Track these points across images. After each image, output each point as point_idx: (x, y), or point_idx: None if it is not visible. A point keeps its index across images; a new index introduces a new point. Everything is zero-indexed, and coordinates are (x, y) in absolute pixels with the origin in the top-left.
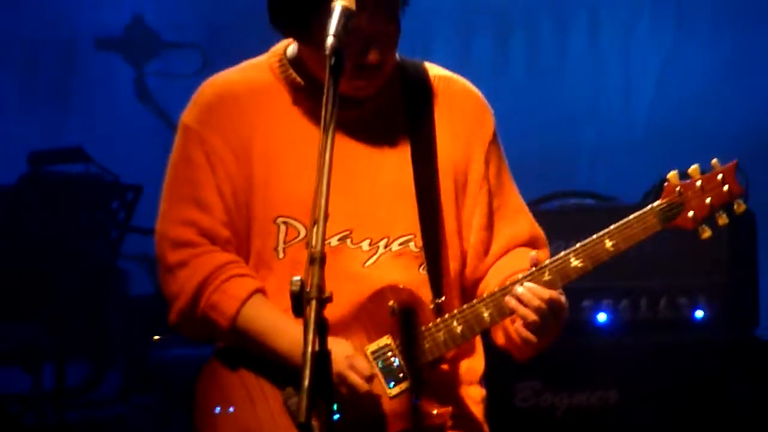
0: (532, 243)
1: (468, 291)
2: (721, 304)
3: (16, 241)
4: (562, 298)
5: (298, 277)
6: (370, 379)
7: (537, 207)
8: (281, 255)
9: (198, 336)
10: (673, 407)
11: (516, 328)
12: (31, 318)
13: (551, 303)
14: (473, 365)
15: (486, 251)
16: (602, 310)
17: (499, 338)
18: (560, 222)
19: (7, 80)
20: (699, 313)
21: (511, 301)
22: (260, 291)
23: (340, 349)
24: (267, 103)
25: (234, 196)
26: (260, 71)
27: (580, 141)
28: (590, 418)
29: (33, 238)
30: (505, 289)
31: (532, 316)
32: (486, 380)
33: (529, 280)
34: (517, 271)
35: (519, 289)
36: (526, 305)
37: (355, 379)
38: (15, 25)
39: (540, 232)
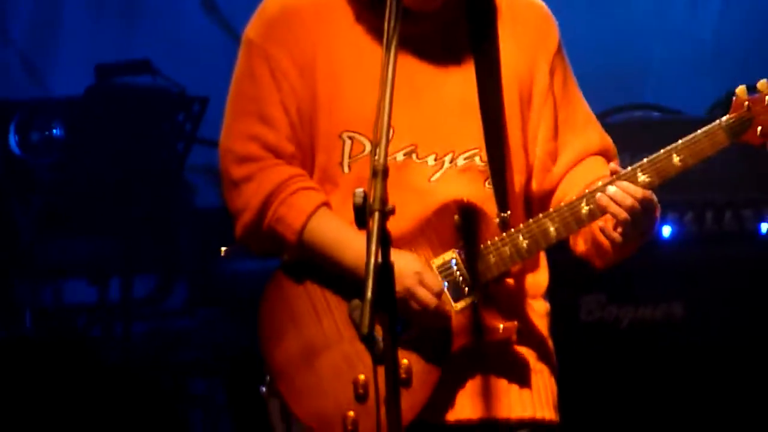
0: (603, 153)
1: (536, 203)
2: None
3: (83, 153)
4: (654, 197)
5: (361, 190)
6: (439, 294)
7: (603, 120)
8: (346, 169)
9: (264, 250)
10: (738, 321)
11: (604, 228)
12: (99, 230)
13: (644, 202)
14: (537, 279)
15: (553, 162)
16: (667, 223)
17: (580, 245)
18: (626, 135)
19: None
20: (765, 227)
21: (602, 199)
22: (326, 204)
23: (408, 263)
24: (331, 18)
25: (299, 111)
26: None
27: (647, 56)
28: (655, 332)
29: (100, 149)
30: (572, 204)
31: (623, 214)
32: (550, 294)
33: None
34: (593, 180)
35: (611, 189)
36: (619, 204)
37: (424, 294)
38: None
39: (610, 142)
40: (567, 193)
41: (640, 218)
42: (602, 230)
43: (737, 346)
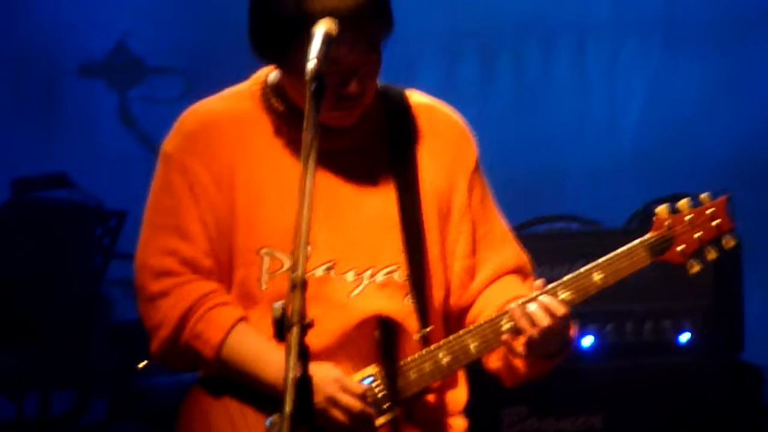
0: (519, 270)
1: (453, 320)
2: (706, 328)
3: None
4: (569, 317)
5: (279, 303)
6: (362, 396)
7: (522, 231)
8: (264, 286)
9: (181, 366)
10: None
11: (519, 348)
12: (14, 346)
13: (562, 321)
14: (456, 396)
15: (471, 278)
16: (587, 334)
17: (493, 362)
18: (546, 246)
19: None
20: (684, 337)
21: (522, 320)
22: (244, 319)
23: (327, 372)
24: (249, 132)
25: (217, 225)
26: (242, 99)
27: (566, 165)
28: None
29: (17, 264)
30: (493, 322)
31: (538, 334)
32: (472, 407)
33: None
34: (508, 300)
35: (531, 306)
36: (535, 323)
37: (347, 399)
38: None
39: (526, 259)
40: (482, 310)
41: (555, 337)
42: (509, 348)
43: None
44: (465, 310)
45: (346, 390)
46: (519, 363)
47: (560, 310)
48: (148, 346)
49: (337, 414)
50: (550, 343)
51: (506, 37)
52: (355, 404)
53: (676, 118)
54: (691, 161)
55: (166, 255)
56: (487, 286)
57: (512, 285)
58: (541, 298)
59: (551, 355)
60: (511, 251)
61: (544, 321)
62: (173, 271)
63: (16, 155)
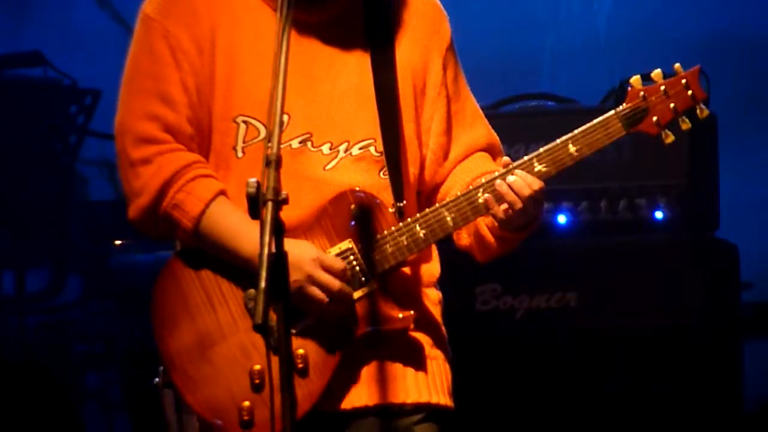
0: (489, 149)
1: (424, 196)
2: (681, 205)
3: None
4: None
5: (254, 180)
6: (341, 274)
7: (497, 110)
8: (240, 154)
9: (156, 234)
10: (632, 309)
11: (493, 221)
12: None
13: (539, 193)
14: (430, 269)
15: (445, 156)
16: (562, 212)
17: (463, 239)
18: (521, 124)
19: None
20: (659, 215)
21: (502, 187)
22: (224, 193)
23: (305, 250)
24: None
25: (198, 91)
26: None
27: (542, 45)
28: (550, 320)
29: None
30: (468, 194)
31: (519, 204)
32: (446, 285)
33: (493, 186)
34: (479, 175)
35: (511, 178)
36: (517, 192)
37: (326, 277)
38: None
39: (496, 138)
40: (452, 187)
41: (531, 209)
42: (494, 222)
43: (632, 333)
44: (436, 187)
45: (325, 268)
46: (489, 238)
47: (536, 183)
48: (123, 226)
49: (315, 292)
50: (525, 214)
51: None
52: (334, 282)
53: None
54: (664, 41)
55: (149, 120)
56: (458, 163)
57: (482, 162)
58: (518, 171)
59: (521, 228)
60: (482, 129)
61: (525, 191)
62: (156, 138)
63: None
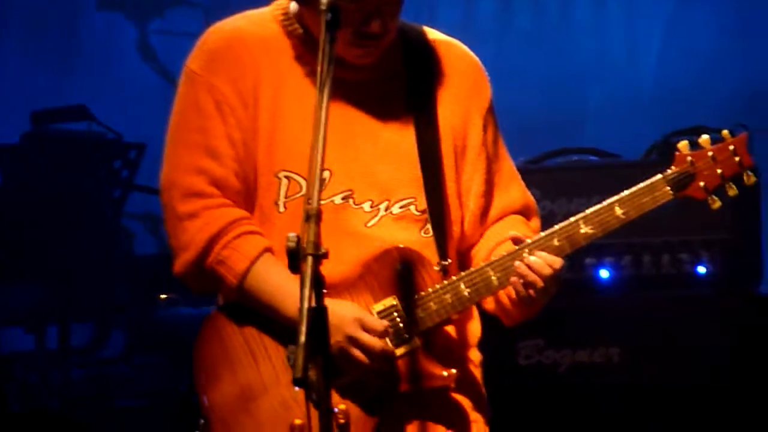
0: (524, 211)
1: (460, 255)
2: (723, 260)
3: (19, 201)
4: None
5: (294, 234)
6: (383, 334)
7: (541, 164)
8: (282, 209)
9: (201, 288)
10: (675, 364)
11: (513, 293)
12: (36, 278)
13: (558, 272)
14: (473, 329)
15: (483, 217)
16: (605, 267)
17: (488, 303)
18: (564, 178)
19: (11, 40)
20: (702, 269)
21: (521, 267)
22: (269, 250)
23: (347, 310)
24: (273, 54)
25: (244, 145)
26: (266, 22)
27: (586, 100)
28: (593, 375)
29: (36, 197)
30: (515, 254)
31: (541, 284)
32: (489, 339)
33: (539, 246)
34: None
35: (532, 258)
36: (536, 273)
37: (368, 338)
38: None
39: (531, 200)
40: (482, 249)
41: (554, 287)
42: (514, 295)
43: (675, 389)
44: (470, 247)
45: (366, 328)
46: (509, 307)
47: (558, 262)
48: (167, 280)
49: (357, 353)
50: (547, 292)
51: None
52: (375, 344)
53: (694, 54)
54: (708, 96)
55: (196, 174)
56: (492, 224)
57: (516, 224)
58: (538, 252)
59: (541, 301)
60: (517, 192)
61: (546, 270)
62: (203, 192)
63: (36, 88)
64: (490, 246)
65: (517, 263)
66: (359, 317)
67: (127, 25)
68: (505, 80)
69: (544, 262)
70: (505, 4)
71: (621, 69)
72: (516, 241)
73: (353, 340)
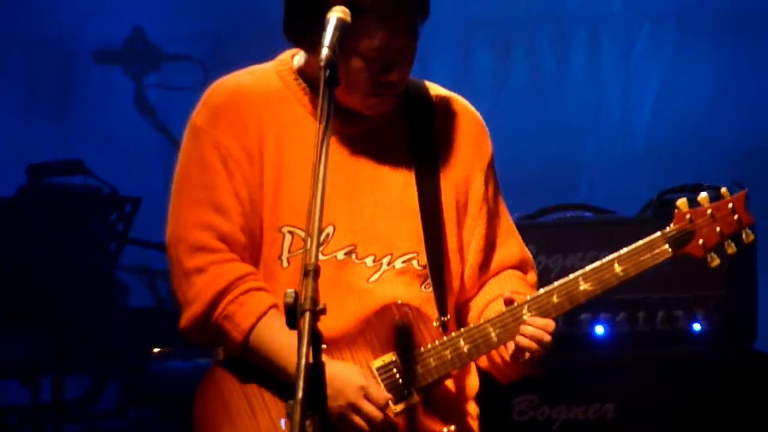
0: (521, 266)
1: (457, 308)
2: (719, 317)
3: (14, 253)
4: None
5: (292, 290)
6: (385, 407)
7: (536, 219)
8: (285, 264)
9: (205, 342)
10: (670, 421)
11: (506, 354)
12: (30, 330)
13: (552, 334)
14: (471, 382)
15: (483, 272)
16: (600, 323)
17: (482, 361)
18: (559, 234)
19: (7, 92)
20: (697, 326)
21: (521, 340)
22: (275, 306)
23: (352, 376)
24: (277, 109)
25: (250, 200)
26: (270, 77)
27: (580, 154)
28: None
29: (32, 249)
30: (514, 310)
31: (539, 352)
32: (484, 395)
33: (538, 303)
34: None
35: (529, 329)
36: (537, 342)
37: (370, 409)
38: (14, 36)
39: (528, 254)
40: (478, 303)
41: (551, 347)
42: (511, 357)
43: None
44: (466, 301)
45: (370, 398)
46: (501, 366)
47: (551, 325)
48: (162, 333)
49: (358, 421)
50: (545, 353)
51: (520, 27)
52: (377, 414)
53: (689, 110)
54: (702, 153)
55: (203, 229)
56: (490, 278)
57: (513, 280)
58: (531, 320)
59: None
60: (515, 247)
61: (546, 338)
62: (210, 247)
63: (32, 141)
64: (487, 301)
65: (518, 338)
66: (364, 386)
67: (125, 79)
68: (499, 136)
69: (543, 330)
70: (500, 57)
71: (615, 123)
72: (508, 302)
73: (355, 408)
